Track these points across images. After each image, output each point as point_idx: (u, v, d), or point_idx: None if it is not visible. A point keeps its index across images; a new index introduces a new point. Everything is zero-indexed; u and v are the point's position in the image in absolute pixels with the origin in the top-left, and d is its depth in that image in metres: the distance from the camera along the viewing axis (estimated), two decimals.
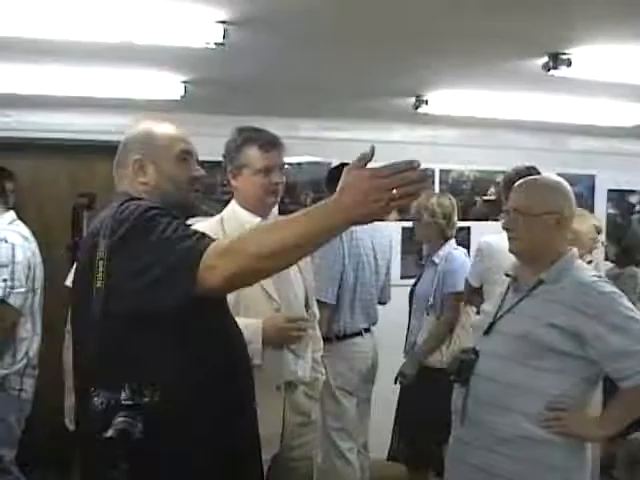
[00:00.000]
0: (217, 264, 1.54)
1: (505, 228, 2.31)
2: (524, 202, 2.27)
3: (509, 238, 2.29)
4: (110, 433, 1.55)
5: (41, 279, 3.60)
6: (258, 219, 2.52)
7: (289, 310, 2.50)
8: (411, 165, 1.50)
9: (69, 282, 3.72)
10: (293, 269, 2.56)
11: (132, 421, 1.57)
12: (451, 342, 3.64)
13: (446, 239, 3.84)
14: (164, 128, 1.95)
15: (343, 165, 4.04)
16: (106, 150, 4.10)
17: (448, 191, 5.22)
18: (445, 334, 3.68)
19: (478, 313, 3.02)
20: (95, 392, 1.61)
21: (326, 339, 3.28)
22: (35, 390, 3.52)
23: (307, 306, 2.65)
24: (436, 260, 3.82)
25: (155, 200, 1.80)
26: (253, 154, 2.48)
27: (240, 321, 2.12)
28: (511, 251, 2.31)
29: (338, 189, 1.52)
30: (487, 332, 2.25)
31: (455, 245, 3.89)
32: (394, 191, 1.47)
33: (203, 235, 1.64)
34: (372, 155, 1.55)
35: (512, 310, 2.24)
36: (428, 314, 3.73)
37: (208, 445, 1.72)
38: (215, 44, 2.59)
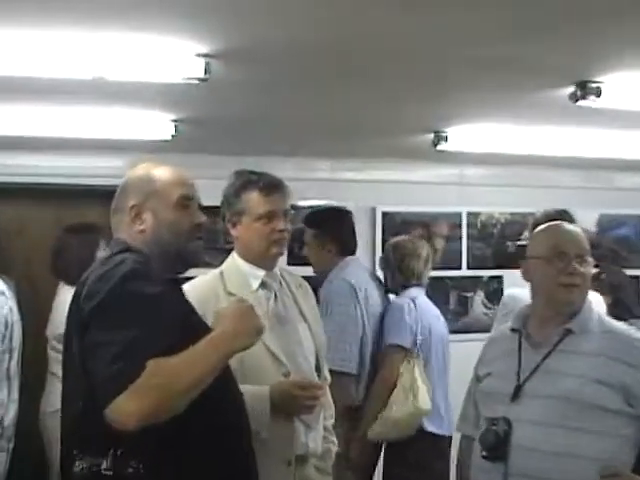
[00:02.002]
0: (124, 407, 1.59)
1: (569, 274, 2.23)
2: (586, 248, 2.26)
3: (570, 286, 2.23)
4: None
5: (19, 338, 3.57)
6: (262, 272, 2.48)
7: (299, 375, 2.45)
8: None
9: (49, 331, 3.76)
10: (302, 326, 2.53)
11: None
12: (386, 407, 3.46)
13: (403, 286, 3.70)
14: (163, 171, 1.98)
15: (336, 209, 4.04)
16: (97, 195, 4.24)
17: (477, 236, 5.19)
18: (382, 398, 3.50)
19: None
20: (78, 455, 1.63)
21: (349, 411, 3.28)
22: (9, 467, 3.45)
23: (318, 369, 2.60)
24: None
25: (153, 251, 1.84)
26: (253, 199, 2.45)
27: (244, 389, 2.09)
28: (569, 303, 2.25)
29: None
30: (515, 397, 2.20)
31: (411, 293, 3.69)
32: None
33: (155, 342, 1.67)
34: None
35: (540, 369, 2.20)
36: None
37: None
38: (198, 79, 2.60)
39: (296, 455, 2.43)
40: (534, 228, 3.38)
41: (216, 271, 2.53)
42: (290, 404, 2.36)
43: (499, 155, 4.49)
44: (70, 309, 1.83)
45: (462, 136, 4.05)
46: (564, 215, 3.16)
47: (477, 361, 2.45)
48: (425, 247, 3.79)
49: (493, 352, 2.41)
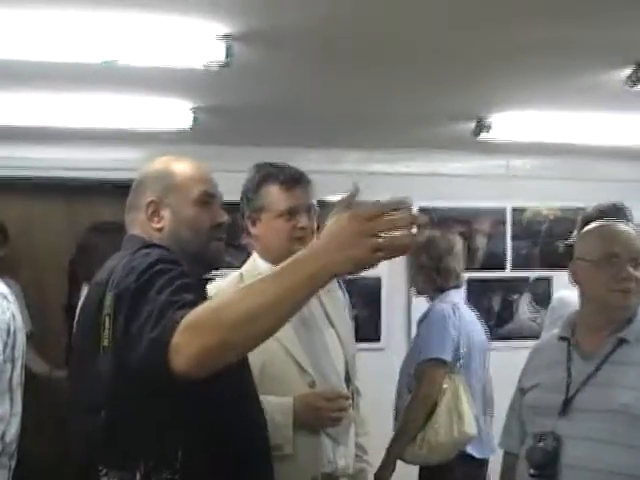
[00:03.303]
0: (179, 343, 1.50)
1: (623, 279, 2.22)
2: None
3: (624, 292, 2.22)
4: None
5: (22, 347, 3.59)
6: None
7: (326, 385, 2.43)
8: (403, 204, 1.43)
9: None
10: (329, 332, 2.52)
11: None
12: (427, 429, 3.33)
13: (440, 290, 3.54)
14: (183, 166, 1.98)
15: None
16: (110, 190, 4.27)
17: (523, 234, 5.14)
18: (421, 419, 3.36)
19: None
20: (103, 471, 1.64)
21: None
22: None
23: (348, 380, 2.58)
24: (420, 318, 3.61)
25: (171, 249, 1.83)
26: (273, 194, 2.44)
27: (266, 400, 2.08)
28: (622, 310, 2.24)
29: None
30: (564, 411, 2.20)
31: (451, 297, 3.54)
32: (380, 237, 1.41)
33: (192, 301, 1.59)
34: (357, 193, 1.49)
35: (591, 381, 2.19)
36: (410, 391, 3.45)
37: None
38: (218, 64, 2.60)
39: (323, 473, 2.42)
40: (584, 225, 3.34)
41: (236, 273, 2.52)
42: (315, 417, 2.36)
43: (547, 145, 4.45)
44: (86, 314, 1.83)
45: (506, 124, 4.01)
46: (619, 211, 3.11)
47: (522, 372, 2.45)
48: (460, 242, 3.72)
49: (539, 362, 2.40)
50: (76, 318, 1.92)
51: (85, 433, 1.78)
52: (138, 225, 1.95)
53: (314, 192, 2.53)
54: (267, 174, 2.48)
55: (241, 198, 2.52)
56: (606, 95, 3.42)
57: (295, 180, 2.46)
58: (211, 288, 2.27)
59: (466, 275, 4.97)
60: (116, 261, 1.80)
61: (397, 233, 1.41)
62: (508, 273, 5.23)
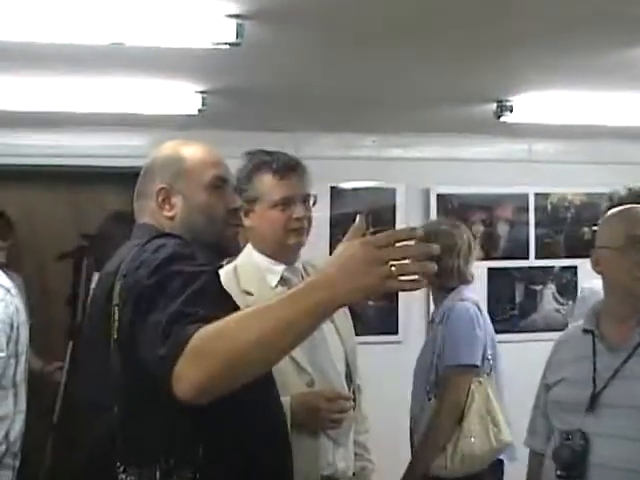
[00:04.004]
0: (182, 370, 1.51)
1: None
2: None
3: None
4: None
5: (26, 342, 3.61)
6: (281, 267, 2.48)
7: (325, 384, 2.44)
8: (414, 234, 1.44)
9: None
10: (328, 327, 2.50)
11: None
12: (459, 439, 3.21)
13: (443, 289, 3.44)
14: (194, 150, 1.98)
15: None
16: (116, 178, 4.28)
17: (547, 220, 5.13)
18: (450, 428, 3.24)
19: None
20: (121, 468, 1.65)
21: None
22: None
23: (349, 379, 2.59)
24: (437, 319, 3.44)
25: (184, 238, 1.83)
26: (266, 183, 2.44)
27: None
28: None
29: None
30: (592, 408, 2.19)
31: (466, 294, 3.44)
32: (391, 265, 1.41)
33: (203, 316, 1.58)
34: (366, 226, 1.52)
35: (619, 375, 2.19)
36: (430, 398, 3.30)
37: None
38: (228, 44, 2.59)
39: (322, 476, 2.42)
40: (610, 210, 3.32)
41: (230, 266, 2.51)
42: (314, 417, 2.36)
43: (572, 127, 4.43)
44: (96, 305, 1.84)
45: (529, 106, 3.99)
46: None
47: (545, 366, 2.44)
48: (464, 237, 3.51)
49: (563, 356, 2.40)
50: (87, 309, 1.93)
51: (99, 428, 1.78)
52: (148, 213, 1.95)
53: (311, 180, 2.52)
54: (260, 162, 2.47)
55: (235, 188, 2.52)
56: (634, 74, 3.39)
57: (290, 168, 2.46)
58: None
59: (487, 264, 5.03)
60: (126, 250, 1.80)
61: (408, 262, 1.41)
62: (531, 262, 5.20)
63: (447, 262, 3.39)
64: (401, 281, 1.40)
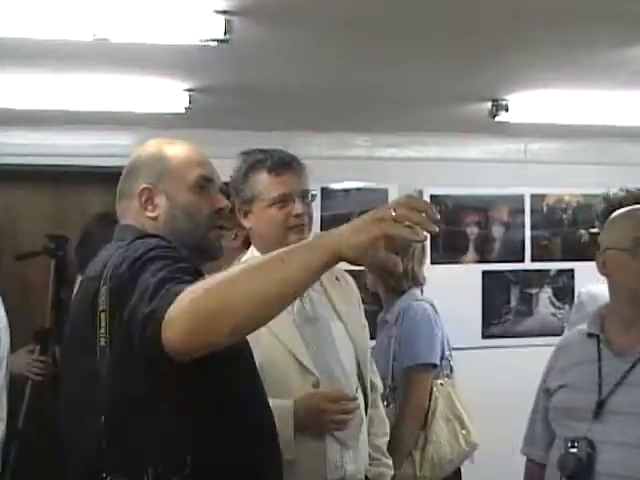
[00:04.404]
0: (172, 317, 1.52)
1: None
2: None
3: None
4: None
5: (7, 347, 3.58)
6: None
7: (331, 385, 2.43)
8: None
9: None
10: (336, 325, 2.51)
11: None
12: (427, 445, 3.17)
13: (402, 289, 3.42)
14: (178, 149, 1.98)
15: None
16: (99, 177, 4.26)
17: (543, 222, 5.14)
18: (416, 431, 3.22)
19: None
20: (108, 479, 1.66)
21: None
22: None
23: (361, 377, 2.57)
24: (390, 320, 3.41)
25: (167, 239, 1.82)
26: (262, 181, 2.44)
27: None
28: None
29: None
30: (598, 414, 2.19)
31: (419, 296, 3.47)
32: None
33: (192, 280, 1.62)
34: None
35: (626, 381, 2.19)
36: (388, 404, 3.18)
37: None
38: (216, 41, 2.58)
39: (330, 479, 2.41)
40: (609, 212, 3.32)
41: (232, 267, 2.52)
42: (318, 420, 2.36)
43: (569, 127, 4.44)
44: (79, 310, 1.83)
45: (526, 105, 4.00)
46: None
47: (545, 371, 2.43)
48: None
49: (566, 360, 2.39)
50: (70, 314, 1.91)
51: (84, 437, 1.77)
52: (131, 214, 1.95)
53: (309, 176, 2.52)
54: (254, 161, 2.47)
55: (230, 190, 2.51)
56: (632, 72, 3.39)
57: (285, 164, 2.46)
58: None
59: (482, 267, 5.04)
60: (109, 252, 1.80)
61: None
62: (527, 265, 5.20)
63: (402, 264, 3.40)
64: (401, 227, 1.46)
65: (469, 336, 4.94)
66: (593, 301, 3.24)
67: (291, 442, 2.28)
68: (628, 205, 3.01)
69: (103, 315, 1.69)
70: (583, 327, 2.38)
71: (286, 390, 2.34)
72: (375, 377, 2.71)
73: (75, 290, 3.92)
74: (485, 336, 5.06)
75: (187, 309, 1.51)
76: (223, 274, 1.54)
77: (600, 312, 2.35)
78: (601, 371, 2.23)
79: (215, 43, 2.60)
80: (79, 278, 3.78)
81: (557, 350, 2.45)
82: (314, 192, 2.54)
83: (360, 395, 2.53)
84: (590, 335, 2.31)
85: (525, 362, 3.49)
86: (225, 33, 2.55)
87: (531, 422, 2.44)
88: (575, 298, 3.50)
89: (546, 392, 2.38)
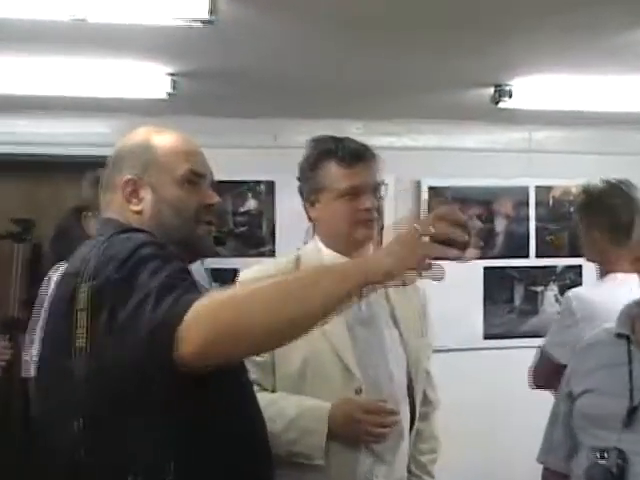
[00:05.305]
0: (190, 325, 1.57)
1: None
2: None
3: None
4: None
5: None
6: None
7: (375, 393, 2.41)
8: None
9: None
10: (390, 332, 2.50)
11: None
12: None
13: None
14: (166, 138, 1.97)
15: None
16: (77, 168, 4.23)
17: (549, 216, 5.14)
18: None
19: None
20: None
21: None
22: None
23: (410, 389, 2.55)
24: None
25: (153, 234, 1.82)
26: (332, 172, 2.44)
27: (301, 401, 2.15)
28: None
29: None
30: (630, 422, 2.14)
31: None
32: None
33: (192, 285, 1.66)
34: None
35: None
36: None
37: None
38: (201, 22, 2.58)
39: None
40: (588, 204, 3.29)
41: (291, 256, 2.54)
42: (353, 429, 2.34)
43: (577, 114, 4.45)
44: (56, 309, 1.82)
45: (530, 90, 4.01)
46: (625, 187, 3.10)
47: (568, 374, 2.38)
48: None
49: (592, 362, 2.33)
50: (45, 312, 1.91)
51: (61, 443, 1.77)
52: (115, 207, 1.93)
53: (382, 168, 2.51)
54: (325, 149, 2.47)
55: (298, 177, 2.54)
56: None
57: (357, 155, 2.45)
58: (250, 272, 2.39)
59: (484, 263, 5.04)
60: (89, 248, 1.79)
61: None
62: (532, 261, 5.22)
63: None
64: (441, 248, 1.56)
65: (470, 336, 4.98)
66: (584, 306, 3.17)
67: (321, 447, 2.30)
68: (608, 197, 3.03)
69: (82, 314, 1.69)
70: (610, 326, 2.32)
71: (326, 391, 2.35)
72: (432, 391, 2.69)
73: (52, 286, 3.92)
74: (487, 336, 5.07)
75: (209, 320, 1.56)
76: (253, 287, 1.62)
77: (630, 311, 2.30)
78: (632, 375, 2.18)
79: (199, 24, 2.61)
80: (54, 272, 3.80)
81: (581, 351, 2.40)
82: (386, 183, 2.52)
83: (406, 408, 2.51)
84: (619, 335, 2.26)
85: (529, 364, 3.47)
86: (210, 13, 2.55)
87: (549, 429, 2.40)
88: (564, 305, 3.37)
89: (569, 396, 2.32)
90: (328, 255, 2.48)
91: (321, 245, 2.51)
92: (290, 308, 1.58)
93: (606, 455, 2.14)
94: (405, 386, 2.51)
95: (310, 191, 2.49)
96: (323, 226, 2.51)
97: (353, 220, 2.43)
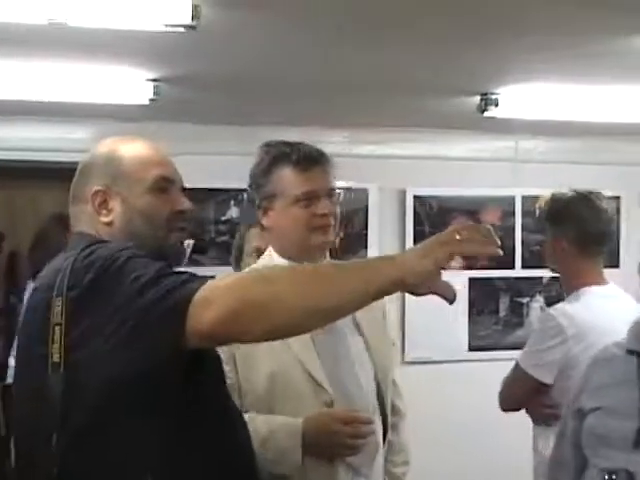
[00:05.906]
0: (209, 297, 1.61)
1: None
2: None
3: None
4: None
5: None
6: None
7: (347, 404, 2.39)
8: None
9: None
10: (355, 339, 2.47)
11: None
12: None
13: None
14: (133, 147, 1.97)
15: None
16: (54, 175, 4.23)
17: (536, 226, 5.16)
18: None
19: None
20: None
21: None
22: None
23: (380, 398, 2.53)
24: None
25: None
26: (286, 177, 2.41)
27: (273, 420, 2.13)
28: None
29: None
30: (639, 443, 2.11)
31: None
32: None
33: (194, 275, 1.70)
34: None
35: None
36: None
37: None
38: (183, 26, 2.58)
39: None
40: (555, 212, 3.27)
41: (246, 270, 2.52)
42: (329, 442, 2.33)
43: (564, 123, 4.47)
44: (30, 323, 1.82)
45: (517, 99, 4.03)
46: (594, 197, 3.11)
47: (579, 388, 2.32)
48: None
49: (603, 379, 2.28)
50: (19, 325, 1.90)
51: (36, 458, 1.76)
52: (85, 219, 1.93)
53: (336, 172, 2.49)
54: (278, 154, 2.44)
55: (249, 184, 2.50)
56: (631, 65, 3.42)
57: (313, 159, 2.43)
58: None
59: (469, 274, 5.05)
60: (60, 263, 1.79)
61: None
62: (518, 272, 5.25)
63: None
64: (470, 244, 1.65)
65: (454, 348, 4.99)
66: (574, 324, 3.10)
67: (298, 464, 2.27)
68: (575, 206, 3.03)
69: (57, 329, 1.69)
70: (622, 340, 2.27)
71: (296, 406, 2.33)
72: (399, 399, 2.67)
73: (25, 299, 3.92)
74: (472, 348, 5.10)
75: (235, 295, 1.62)
76: (279, 270, 1.76)
77: None
78: None
79: (182, 29, 2.61)
80: (30, 284, 3.79)
81: (591, 366, 2.34)
82: (341, 188, 2.53)
83: (378, 418, 2.49)
84: (630, 352, 2.21)
85: None
86: (193, 19, 2.54)
87: (557, 445, 2.37)
88: (549, 322, 3.26)
89: (578, 413, 2.27)
90: (281, 264, 2.42)
91: (274, 254, 2.47)
92: (317, 298, 1.65)
93: (615, 477, 2.12)
94: (375, 396, 2.49)
95: (263, 198, 2.44)
96: (277, 234, 2.47)
97: (310, 226, 2.39)
